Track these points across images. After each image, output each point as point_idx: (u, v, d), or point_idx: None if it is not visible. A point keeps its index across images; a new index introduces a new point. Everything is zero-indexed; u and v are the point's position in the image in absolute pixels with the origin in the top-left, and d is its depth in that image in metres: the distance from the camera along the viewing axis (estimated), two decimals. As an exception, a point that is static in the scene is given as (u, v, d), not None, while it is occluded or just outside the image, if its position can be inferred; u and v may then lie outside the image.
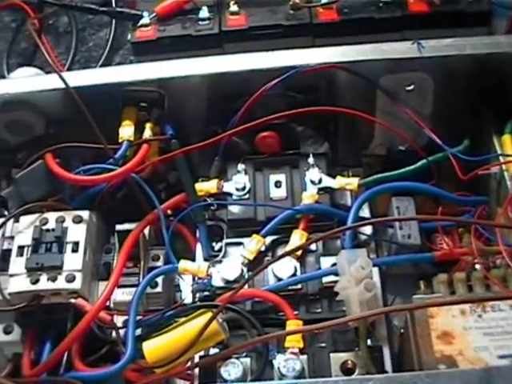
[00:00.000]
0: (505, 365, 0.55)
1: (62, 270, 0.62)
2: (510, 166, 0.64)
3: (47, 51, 0.77)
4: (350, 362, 0.60)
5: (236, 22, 0.82)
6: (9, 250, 0.64)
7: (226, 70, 0.69)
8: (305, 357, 0.60)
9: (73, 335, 0.60)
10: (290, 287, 0.64)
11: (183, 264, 0.66)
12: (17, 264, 0.63)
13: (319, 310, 0.64)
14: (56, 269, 0.62)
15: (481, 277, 0.62)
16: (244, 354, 0.61)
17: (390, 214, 0.69)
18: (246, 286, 0.63)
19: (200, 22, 0.82)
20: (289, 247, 0.66)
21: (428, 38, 0.68)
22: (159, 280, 0.66)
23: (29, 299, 0.62)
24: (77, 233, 0.64)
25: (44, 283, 0.62)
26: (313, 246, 0.67)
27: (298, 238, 0.66)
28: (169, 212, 0.70)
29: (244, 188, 0.69)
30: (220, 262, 0.67)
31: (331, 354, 0.61)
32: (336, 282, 0.61)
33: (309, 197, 0.68)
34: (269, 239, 0.67)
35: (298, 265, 0.65)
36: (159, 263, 0.67)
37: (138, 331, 0.62)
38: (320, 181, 0.69)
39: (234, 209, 0.69)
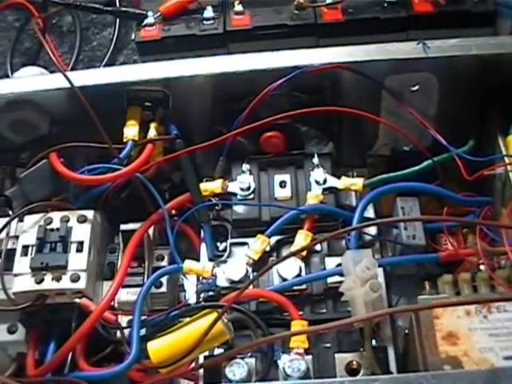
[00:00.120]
0: (510, 366, 0.54)
1: (67, 269, 0.62)
2: (515, 166, 0.64)
3: (51, 50, 0.77)
4: (354, 362, 0.60)
5: (240, 22, 0.82)
6: (13, 250, 0.64)
7: (231, 70, 0.68)
8: (310, 357, 0.60)
9: (77, 335, 0.60)
10: (295, 287, 0.64)
11: (188, 264, 0.65)
12: (21, 263, 0.63)
13: (324, 311, 0.64)
14: (60, 268, 0.62)
15: (486, 277, 0.62)
16: (249, 355, 0.61)
17: (395, 214, 0.69)
18: (251, 286, 0.62)
19: (204, 22, 0.82)
20: (294, 247, 0.66)
21: (432, 39, 0.68)
22: (164, 280, 0.66)
23: (33, 299, 0.62)
24: (81, 232, 0.64)
25: (48, 283, 0.62)
26: (318, 247, 0.67)
27: (302, 238, 0.66)
28: (173, 212, 0.70)
29: (249, 188, 0.69)
30: (225, 262, 0.67)
31: (336, 355, 0.60)
32: (341, 282, 0.61)
33: (314, 197, 0.68)
34: (273, 239, 0.67)
35: (302, 265, 0.65)
36: (164, 263, 0.67)
37: (143, 331, 0.62)
38: (325, 181, 0.69)
39: (239, 209, 0.69)
